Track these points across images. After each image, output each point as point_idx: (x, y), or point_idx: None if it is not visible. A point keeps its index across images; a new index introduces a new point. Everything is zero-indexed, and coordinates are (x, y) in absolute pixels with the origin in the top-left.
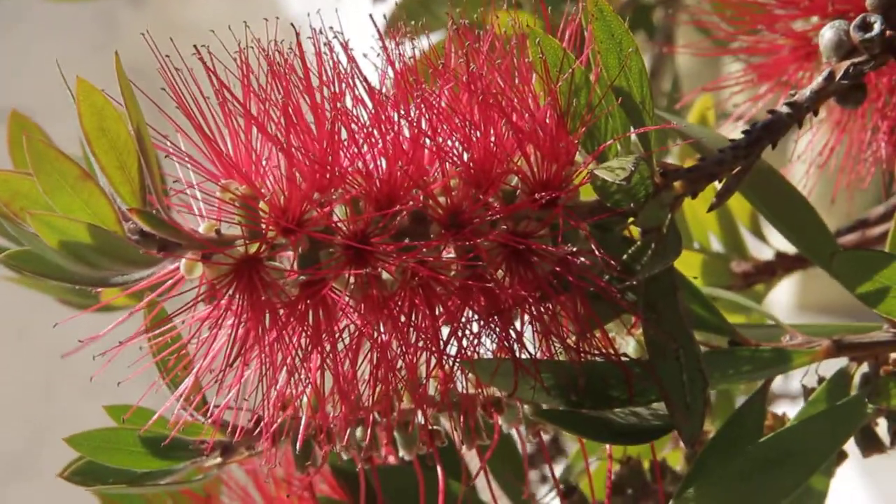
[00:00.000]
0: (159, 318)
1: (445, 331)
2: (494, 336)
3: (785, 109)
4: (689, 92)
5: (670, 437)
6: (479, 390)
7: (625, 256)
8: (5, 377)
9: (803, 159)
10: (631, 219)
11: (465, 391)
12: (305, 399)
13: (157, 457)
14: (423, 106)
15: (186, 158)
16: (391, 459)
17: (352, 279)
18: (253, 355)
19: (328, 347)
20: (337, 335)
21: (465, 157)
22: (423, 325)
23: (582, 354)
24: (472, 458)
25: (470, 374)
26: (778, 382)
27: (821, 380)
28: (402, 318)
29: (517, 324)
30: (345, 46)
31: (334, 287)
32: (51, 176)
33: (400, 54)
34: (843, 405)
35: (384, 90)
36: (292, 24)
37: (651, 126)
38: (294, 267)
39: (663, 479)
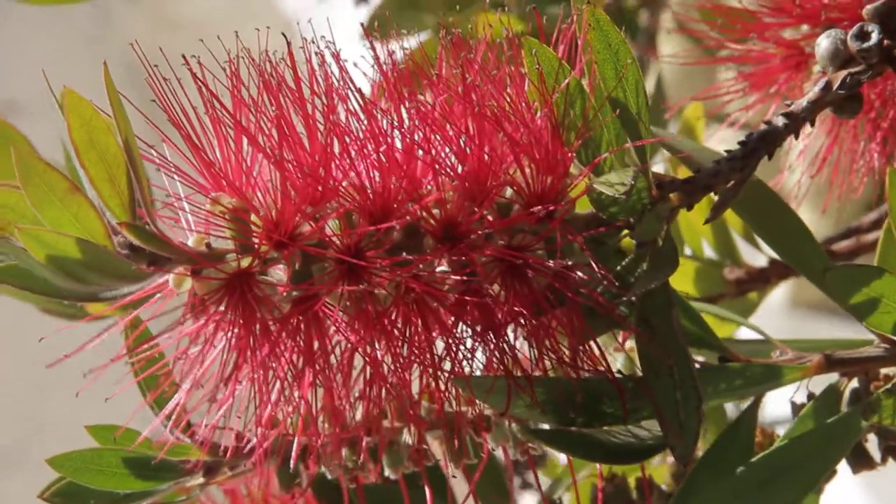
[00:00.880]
0: (143, 337)
1: (439, 346)
2: (489, 351)
3: (781, 120)
4: (673, 98)
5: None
6: (469, 408)
7: (618, 269)
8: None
9: (794, 169)
10: (626, 231)
11: (455, 409)
12: (297, 417)
13: (139, 478)
14: (416, 118)
15: (174, 169)
16: (371, 479)
17: (345, 294)
18: (243, 373)
19: (320, 364)
20: (329, 351)
21: (460, 169)
22: (417, 340)
23: (576, 370)
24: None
25: (460, 391)
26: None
27: (810, 396)
28: (396, 334)
29: (512, 339)
30: (336, 56)
31: (327, 302)
32: (39, 189)
33: (392, 63)
34: (837, 422)
35: (376, 101)
36: (283, 34)
37: (648, 139)
38: (287, 282)
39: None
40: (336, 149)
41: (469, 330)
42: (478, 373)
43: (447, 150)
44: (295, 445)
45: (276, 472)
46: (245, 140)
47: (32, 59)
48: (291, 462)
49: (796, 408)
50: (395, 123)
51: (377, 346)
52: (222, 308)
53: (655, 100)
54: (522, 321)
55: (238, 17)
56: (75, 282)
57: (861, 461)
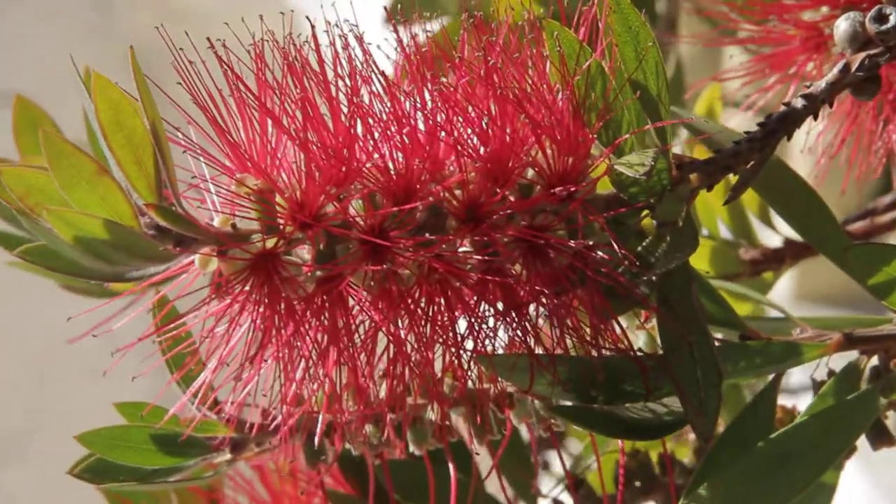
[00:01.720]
0: (171, 315)
1: (462, 325)
2: (511, 330)
3: (800, 101)
4: (692, 81)
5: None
6: (492, 385)
7: (639, 249)
8: (1, 360)
9: (813, 150)
10: (646, 212)
11: (477, 386)
12: (321, 394)
13: (167, 454)
14: (439, 99)
15: (199, 152)
16: (397, 454)
17: (369, 274)
18: (269, 351)
19: (345, 342)
20: (353, 330)
21: (482, 150)
22: (440, 319)
23: (598, 349)
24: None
25: (482, 369)
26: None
27: (830, 373)
28: (419, 313)
29: (534, 318)
30: (360, 39)
31: (351, 282)
32: (67, 171)
33: (415, 46)
34: (856, 399)
35: (400, 84)
36: (308, 17)
37: (668, 120)
38: (312, 262)
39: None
40: (359, 130)
41: (491, 309)
42: (500, 351)
43: (469, 131)
44: (320, 422)
45: (302, 448)
46: (269, 122)
47: (35, 50)
48: (316, 439)
49: (816, 385)
50: (418, 105)
51: (400, 324)
52: (248, 288)
53: (675, 83)
54: (544, 300)
55: (243, 7)
56: (102, 262)
57: (881, 438)
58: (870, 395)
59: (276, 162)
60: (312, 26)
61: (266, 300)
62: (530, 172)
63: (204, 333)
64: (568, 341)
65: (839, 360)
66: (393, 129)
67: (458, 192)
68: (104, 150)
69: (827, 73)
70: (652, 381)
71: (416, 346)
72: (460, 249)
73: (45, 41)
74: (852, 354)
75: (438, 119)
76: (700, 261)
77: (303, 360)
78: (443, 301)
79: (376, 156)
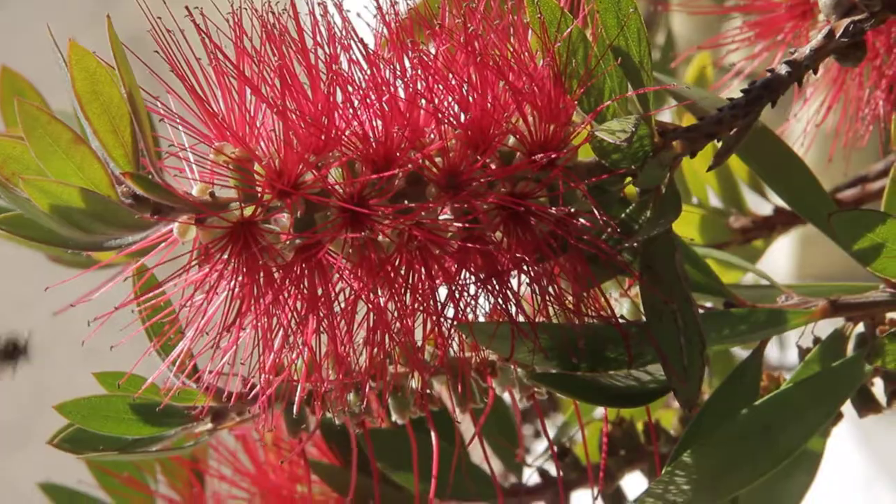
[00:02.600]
0: (150, 284)
1: (442, 293)
2: (492, 298)
3: (784, 68)
4: (684, 52)
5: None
6: (474, 353)
7: (622, 216)
8: None
9: (800, 118)
10: (628, 179)
11: (459, 354)
12: (301, 363)
13: (147, 423)
14: (419, 67)
15: (178, 121)
16: (379, 423)
17: (348, 242)
18: (248, 319)
19: (324, 310)
20: (333, 298)
21: (463, 117)
22: (420, 287)
23: (580, 316)
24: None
25: (464, 337)
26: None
27: (816, 340)
28: (399, 281)
29: (515, 286)
30: (339, 7)
31: (330, 250)
32: (43, 140)
33: (395, 13)
34: (841, 366)
35: (379, 51)
36: None
37: (650, 87)
38: (290, 230)
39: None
40: (339, 98)
41: (472, 277)
42: (481, 319)
43: (450, 98)
44: (299, 391)
45: (283, 417)
46: (248, 90)
47: (36, 38)
48: (295, 407)
49: (802, 352)
50: (398, 72)
51: (380, 293)
52: (226, 256)
53: (665, 52)
54: (525, 268)
55: None
56: (79, 231)
57: (867, 405)
58: (855, 362)
59: (254, 130)
60: None
61: (245, 268)
62: (511, 140)
63: (183, 302)
64: (550, 309)
65: (825, 328)
66: (372, 96)
67: (438, 159)
68: (81, 119)
69: (812, 40)
70: (635, 349)
71: (396, 314)
72: (441, 217)
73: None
74: (838, 321)
75: (418, 86)
76: (689, 229)
77: (282, 328)
78: (423, 269)
79: (355, 123)
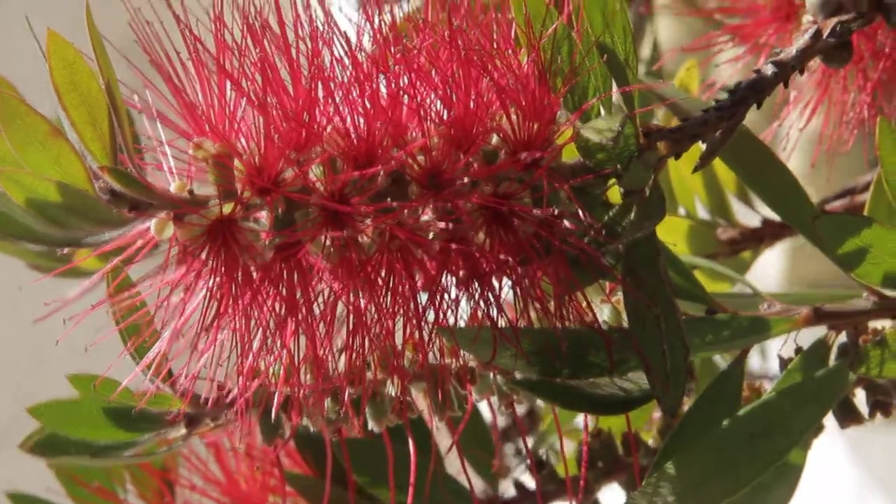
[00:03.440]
0: (125, 284)
1: (423, 296)
2: (474, 301)
3: (770, 68)
4: (669, 57)
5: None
6: (453, 359)
7: (606, 218)
8: None
9: (784, 121)
10: (612, 180)
11: (438, 360)
12: (278, 367)
13: (120, 428)
14: (401, 63)
15: (156, 115)
16: (354, 432)
17: (328, 241)
18: (225, 321)
19: (303, 312)
20: (313, 299)
21: (446, 115)
22: (401, 289)
23: (561, 320)
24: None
25: (443, 343)
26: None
27: (797, 350)
28: (380, 283)
29: (497, 288)
30: (321, 1)
31: (310, 249)
32: (20, 132)
33: (378, 8)
34: (825, 374)
35: (362, 46)
36: None
37: (635, 85)
38: (270, 228)
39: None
40: (320, 93)
41: (454, 279)
42: (462, 324)
43: (433, 95)
44: (277, 396)
45: (258, 423)
46: (228, 84)
47: (30, 39)
48: (273, 412)
49: (784, 362)
50: (381, 68)
51: (360, 294)
52: (204, 255)
53: (652, 58)
54: (508, 270)
55: None
56: (56, 226)
57: (849, 416)
58: (839, 371)
59: (234, 125)
60: None
61: (223, 267)
62: (494, 138)
63: (159, 302)
64: (532, 314)
65: (808, 337)
66: (354, 92)
67: (420, 157)
68: (59, 111)
69: (798, 40)
70: (618, 355)
71: (376, 317)
72: (422, 217)
73: (40, 31)
74: (821, 330)
75: (401, 82)
76: (677, 240)
77: (260, 330)
78: (404, 270)
79: (337, 119)
